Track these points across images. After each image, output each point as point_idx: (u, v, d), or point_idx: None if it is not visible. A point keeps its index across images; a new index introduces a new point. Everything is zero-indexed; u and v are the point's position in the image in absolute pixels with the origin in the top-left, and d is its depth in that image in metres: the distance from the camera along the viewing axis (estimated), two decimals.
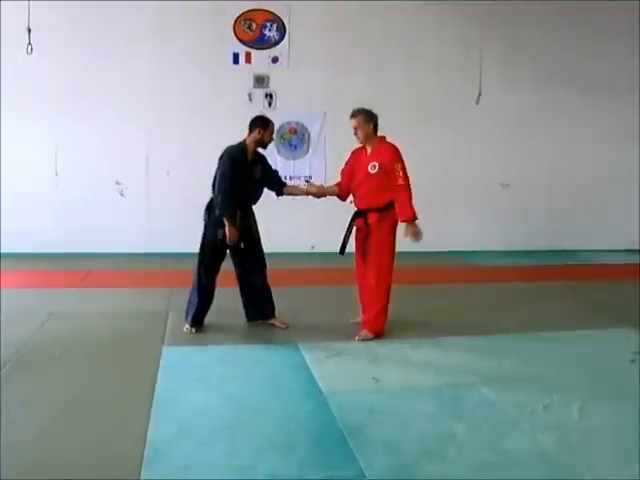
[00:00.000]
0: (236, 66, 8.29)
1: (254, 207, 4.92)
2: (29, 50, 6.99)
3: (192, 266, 4.90)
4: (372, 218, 4.69)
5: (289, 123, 8.44)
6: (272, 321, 4.98)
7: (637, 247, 9.21)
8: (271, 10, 8.26)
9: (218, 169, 4.74)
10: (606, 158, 9.27)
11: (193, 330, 4.82)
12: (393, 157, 4.64)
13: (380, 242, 4.69)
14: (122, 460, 2.87)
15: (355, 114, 4.80)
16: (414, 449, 3.01)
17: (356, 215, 4.81)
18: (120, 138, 8.10)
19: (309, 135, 8.57)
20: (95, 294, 6.09)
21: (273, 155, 8.30)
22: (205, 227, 4.79)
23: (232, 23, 8.19)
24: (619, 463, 2.92)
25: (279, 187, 5.00)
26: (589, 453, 3.02)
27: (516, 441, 3.12)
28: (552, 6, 8.75)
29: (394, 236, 4.75)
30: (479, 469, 2.84)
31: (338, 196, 4.97)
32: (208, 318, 4.92)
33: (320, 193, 5.00)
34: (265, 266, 4.93)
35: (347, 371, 4.12)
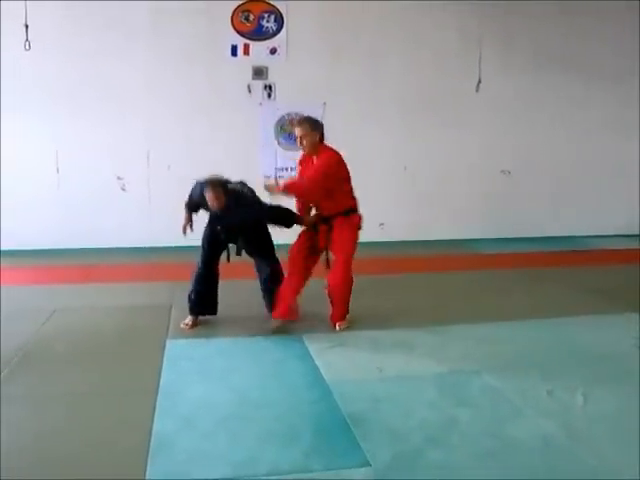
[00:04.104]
0: (234, 58, 8.26)
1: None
2: (27, 46, 6.99)
3: (196, 259, 4.96)
4: (337, 220, 4.70)
5: (289, 114, 8.42)
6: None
7: (637, 232, 9.20)
8: (268, 1, 8.22)
9: None
10: (607, 144, 9.24)
11: (189, 322, 4.84)
12: (323, 162, 4.61)
13: (343, 239, 4.69)
14: (128, 452, 2.89)
15: (301, 122, 4.71)
16: (418, 437, 3.03)
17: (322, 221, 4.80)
18: (120, 133, 8.08)
19: None
20: (98, 289, 6.10)
21: (273, 146, 8.34)
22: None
23: (230, 15, 8.16)
24: (624, 448, 2.93)
25: None
26: (593, 438, 3.03)
27: (519, 427, 3.13)
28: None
29: (356, 235, 4.75)
30: (483, 456, 2.85)
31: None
32: None
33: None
34: (268, 265, 4.96)
35: (351, 361, 4.13)
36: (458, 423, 3.17)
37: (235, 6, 8.16)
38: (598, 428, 3.14)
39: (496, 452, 2.89)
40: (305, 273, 4.82)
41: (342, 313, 4.84)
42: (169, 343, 4.43)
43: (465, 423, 3.18)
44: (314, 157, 4.73)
